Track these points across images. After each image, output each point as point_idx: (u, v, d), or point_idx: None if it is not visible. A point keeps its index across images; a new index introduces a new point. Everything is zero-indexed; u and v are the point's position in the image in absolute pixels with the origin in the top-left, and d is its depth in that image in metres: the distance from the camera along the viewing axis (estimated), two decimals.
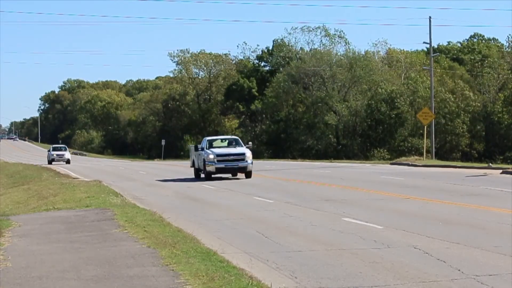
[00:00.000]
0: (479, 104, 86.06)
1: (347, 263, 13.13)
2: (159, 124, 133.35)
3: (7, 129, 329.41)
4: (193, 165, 42.27)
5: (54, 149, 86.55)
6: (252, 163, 38.92)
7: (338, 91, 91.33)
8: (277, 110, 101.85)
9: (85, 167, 68.91)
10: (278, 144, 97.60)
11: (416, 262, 13.01)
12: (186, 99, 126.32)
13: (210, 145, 40.00)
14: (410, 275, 11.91)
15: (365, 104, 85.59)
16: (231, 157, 38.36)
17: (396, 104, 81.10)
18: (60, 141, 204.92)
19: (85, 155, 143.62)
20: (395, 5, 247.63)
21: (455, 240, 15.18)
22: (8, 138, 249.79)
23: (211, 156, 38.29)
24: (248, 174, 38.92)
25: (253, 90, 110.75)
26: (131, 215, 20.71)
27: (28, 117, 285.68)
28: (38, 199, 32.60)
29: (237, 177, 40.32)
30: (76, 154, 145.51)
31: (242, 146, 40.04)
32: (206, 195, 30.18)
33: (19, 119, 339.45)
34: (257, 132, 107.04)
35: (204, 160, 38.79)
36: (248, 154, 38.60)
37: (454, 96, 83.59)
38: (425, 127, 60.07)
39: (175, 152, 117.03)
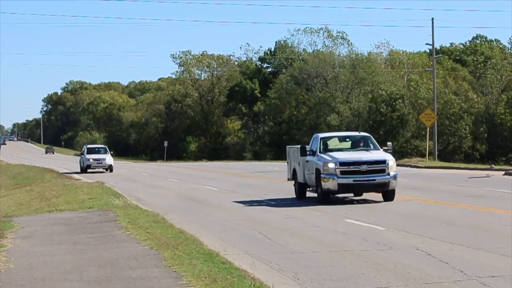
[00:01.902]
0: (482, 106, 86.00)
1: (350, 264, 13.13)
2: (161, 125, 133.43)
3: (9, 131, 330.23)
4: (293, 177, 28.21)
5: (90, 151, 59.91)
6: (396, 175, 24.82)
7: (341, 92, 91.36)
8: (280, 111, 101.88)
9: None
10: (280, 145, 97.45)
11: (419, 263, 13.00)
12: (188, 101, 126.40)
13: (325, 146, 25.93)
14: (413, 276, 11.91)
15: (367, 105, 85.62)
16: (364, 167, 24.31)
17: (397, 105, 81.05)
18: (62, 143, 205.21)
19: None
20: (398, 7, 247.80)
21: (457, 242, 15.17)
22: (9, 140, 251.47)
23: (331, 165, 24.30)
24: (390, 195, 24.73)
25: (256, 91, 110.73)
26: (133, 217, 20.72)
27: (30, 119, 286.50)
28: (41, 200, 32.64)
29: (364, 197, 26.41)
30: (78, 155, 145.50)
31: (377, 148, 25.97)
32: (208, 196, 30.19)
33: (21, 120, 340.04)
34: (259, 134, 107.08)
35: (318, 171, 24.85)
36: (391, 162, 24.64)
37: (458, 97, 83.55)
38: (428, 128, 60.03)
39: (177, 153, 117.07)
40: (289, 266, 13.17)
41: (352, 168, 24.31)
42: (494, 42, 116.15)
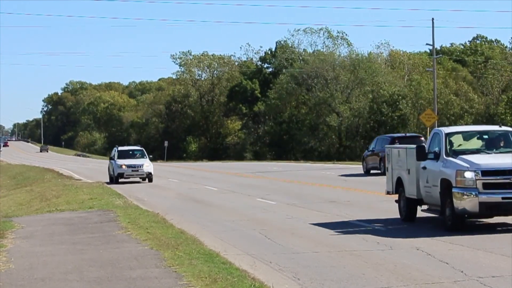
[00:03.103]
0: (482, 106, 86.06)
1: (350, 264, 13.13)
2: (162, 125, 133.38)
3: (10, 131, 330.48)
4: (397, 189, 19.96)
5: (122, 154, 44.80)
6: None
7: (341, 92, 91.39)
8: (280, 111, 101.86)
9: (87, 168, 68.94)
10: (281, 145, 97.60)
11: (419, 263, 13.00)
12: (188, 101, 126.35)
13: (451, 147, 17.97)
14: (413, 276, 11.91)
15: (368, 105, 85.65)
16: None
17: (398, 105, 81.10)
18: (63, 143, 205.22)
19: (89, 156, 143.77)
20: (398, 7, 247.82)
21: (457, 242, 15.18)
22: (8, 140, 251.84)
23: (469, 175, 16.58)
24: None
25: (256, 91, 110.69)
26: (134, 217, 20.73)
27: (31, 119, 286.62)
28: (41, 200, 32.64)
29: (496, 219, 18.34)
30: (79, 156, 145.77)
31: None
32: (208, 196, 30.16)
33: (21, 120, 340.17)
34: (259, 134, 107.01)
35: (445, 182, 17.09)
36: None
37: (458, 98, 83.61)
38: (428, 128, 60.02)
39: (178, 153, 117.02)
40: (289, 266, 13.17)
41: (499, 179, 16.54)
42: (495, 42, 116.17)
